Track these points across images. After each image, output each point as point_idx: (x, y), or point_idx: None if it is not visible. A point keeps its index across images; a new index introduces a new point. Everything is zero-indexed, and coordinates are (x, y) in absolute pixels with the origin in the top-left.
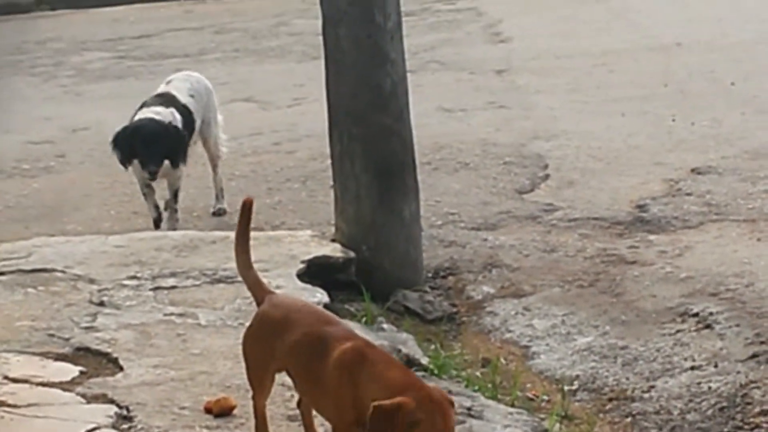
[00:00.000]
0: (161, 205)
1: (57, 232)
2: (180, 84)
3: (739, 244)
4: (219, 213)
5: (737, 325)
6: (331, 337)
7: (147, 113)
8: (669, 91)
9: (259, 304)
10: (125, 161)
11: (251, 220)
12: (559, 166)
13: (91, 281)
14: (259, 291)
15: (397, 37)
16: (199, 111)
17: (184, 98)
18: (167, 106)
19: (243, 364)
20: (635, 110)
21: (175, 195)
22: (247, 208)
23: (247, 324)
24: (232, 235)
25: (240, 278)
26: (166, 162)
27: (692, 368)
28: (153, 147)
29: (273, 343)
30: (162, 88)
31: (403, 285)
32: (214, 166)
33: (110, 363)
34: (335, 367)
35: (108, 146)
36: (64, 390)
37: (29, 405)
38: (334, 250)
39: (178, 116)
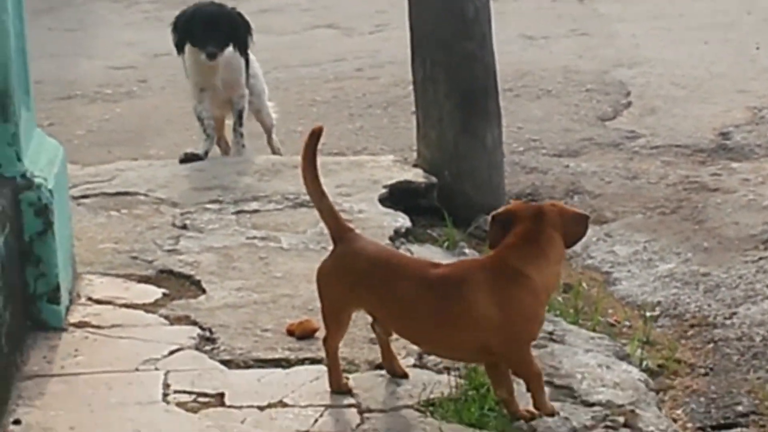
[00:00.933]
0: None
1: (139, 156)
2: None
3: None
4: None
5: None
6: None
7: None
8: (752, 19)
9: (334, 238)
10: (181, 44)
11: (317, 149)
12: (642, 93)
13: (174, 204)
14: (334, 224)
15: None
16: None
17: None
18: None
19: None
20: (718, 38)
21: (240, 116)
22: (315, 135)
23: (324, 258)
24: None
25: None
26: (229, 77)
27: None
28: (214, 28)
29: (357, 289)
30: None
31: (485, 210)
32: (269, 134)
33: (193, 285)
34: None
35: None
36: (147, 312)
37: (113, 326)
38: (416, 176)
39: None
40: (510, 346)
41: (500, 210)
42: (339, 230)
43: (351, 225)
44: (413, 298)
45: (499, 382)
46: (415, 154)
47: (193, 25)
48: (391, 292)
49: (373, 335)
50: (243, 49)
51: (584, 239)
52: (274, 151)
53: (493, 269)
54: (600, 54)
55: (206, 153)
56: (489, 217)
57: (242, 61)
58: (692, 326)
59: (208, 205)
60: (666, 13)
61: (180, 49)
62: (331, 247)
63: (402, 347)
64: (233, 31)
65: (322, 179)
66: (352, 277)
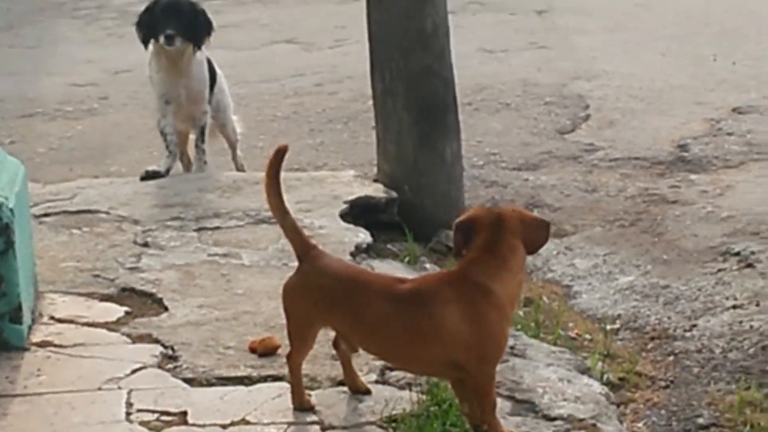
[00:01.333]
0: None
1: (101, 173)
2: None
3: None
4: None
5: None
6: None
7: None
8: (709, 31)
9: (298, 255)
10: (146, 39)
11: (282, 167)
12: (600, 106)
13: (135, 222)
14: (298, 241)
15: None
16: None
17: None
18: None
19: None
20: (676, 50)
21: (202, 132)
22: (280, 154)
23: (289, 276)
24: None
25: None
26: (194, 87)
27: (734, 307)
28: (174, 15)
29: (323, 306)
30: None
31: (445, 225)
32: (234, 149)
33: (155, 303)
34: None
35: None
36: (110, 330)
37: (75, 345)
38: (376, 191)
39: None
40: (480, 365)
41: (462, 217)
42: (303, 248)
43: (314, 242)
44: (381, 315)
45: (464, 397)
46: (375, 169)
47: (155, 15)
48: (358, 308)
49: (334, 352)
50: (199, 43)
51: (544, 252)
52: (238, 168)
53: (459, 285)
54: (558, 67)
55: (168, 170)
56: (453, 224)
57: (206, 74)
58: (652, 339)
59: (170, 223)
60: (623, 25)
61: (146, 44)
62: (293, 264)
63: (364, 363)
64: (192, 22)
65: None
66: (318, 294)
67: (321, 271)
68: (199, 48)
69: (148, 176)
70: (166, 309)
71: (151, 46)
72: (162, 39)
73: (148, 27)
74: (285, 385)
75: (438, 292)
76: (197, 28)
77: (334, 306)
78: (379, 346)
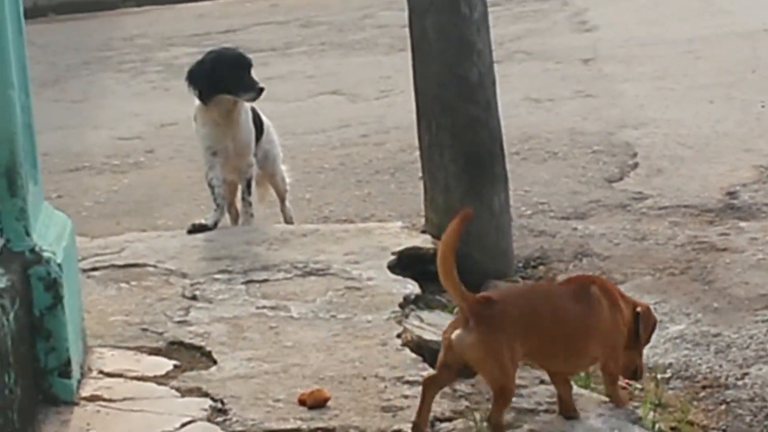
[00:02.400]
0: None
1: (148, 227)
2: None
3: None
4: None
5: None
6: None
7: None
8: (757, 77)
9: (467, 308)
10: (213, 90)
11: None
12: (648, 153)
13: (183, 275)
14: (463, 296)
15: (484, 28)
16: (263, 136)
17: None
18: None
19: (335, 356)
20: (723, 97)
21: (248, 184)
22: (467, 219)
23: (464, 333)
24: (322, 228)
25: (331, 271)
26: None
27: None
28: (245, 69)
29: (518, 336)
30: None
31: (494, 275)
32: (282, 200)
33: (204, 356)
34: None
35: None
36: (159, 384)
37: (124, 399)
38: (424, 241)
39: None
40: (614, 352)
41: None
42: (469, 298)
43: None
44: (559, 313)
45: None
46: (423, 220)
47: (222, 69)
48: (539, 316)
49: (383, 403)
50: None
51: None
52: (287, 219)
53: (598, 284)
54: (605, 115)
55: (215, 224)
56: None
57: (251, 125)
58: (704, 387)
59: (218, 276)
60: (670, 72)
61: (209, 97)
62: (341, 316)
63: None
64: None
65: (330, 247)
66: (510, 331)
67: (502, 312)
68: (253, 101)
69: (196, 229)
70: (214, 362)
71: (196, 99)
72: (251, 95)
73: (210, 82)
74: None
75: (592, 290)
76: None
77: (531, 333)
78: (553, 346)
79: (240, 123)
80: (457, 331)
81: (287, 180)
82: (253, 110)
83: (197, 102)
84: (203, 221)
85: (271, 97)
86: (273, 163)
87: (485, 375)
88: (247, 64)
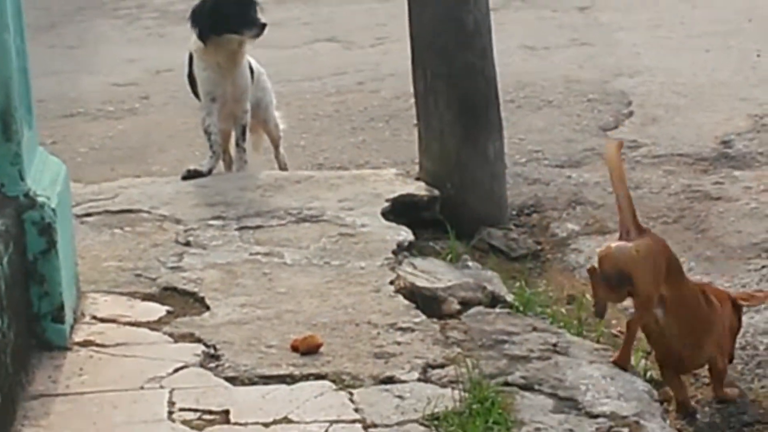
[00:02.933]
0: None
1: (142, 173)
2: None
3: None
4: None
5: None
6: None
7: None
8: (753, 27)
9: (630, 227)
10: (213, 32)
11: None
12: (643, 102)
13: (177, 221)
14: (632, 215)
15: None
16: (255, 83)
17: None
18: None
19: (328, 303)
20: (719, 46)
21: (243, 131)
22: (620, 147)
23: (632, 244)
24: (316, 174)
25: (325, 218)
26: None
27: None
28: (248, 7)
29: (662, 276)
30: None
31: (488, 223)
32: (276, 146)
33: (197, 302)
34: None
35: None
36: (152, 329)
37: (117, 344)
38: (418, 188)
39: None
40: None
41: None
42: (636, 221)
43: None
44: (694, 302)
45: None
46: (417, 167)
47: (222, 7)
48: (680, 290)
49: (376, 350)
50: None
51: (587, 250)
52: (281, 165)
53: (708, 291)
54: (601, 63)
55: (210, 170)
56: None
57: (248, 71)
58: None
59: (212, 222)
60: (666, 21)
61: (208, 38)
62: (335, 263)
63: (406, 362)
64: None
65: (324, 194)
66: (664, 262)
67: (664, 244)
68: (256, 38)
69: (190, 175)
70: (207, 308)
71: (193, 43)
72: (254, 31)
73: (212, 21)
74: (327, 383)
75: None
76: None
77: (670, 280)
78: (681, 329)
79: (241, 67)
80: (617, 242)
81: (281, 126)
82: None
83: (196, 45)
84: (198, 167)
85: (267, 43)
86: (266, 110)
87: (638, 281)
88: (248, 1)
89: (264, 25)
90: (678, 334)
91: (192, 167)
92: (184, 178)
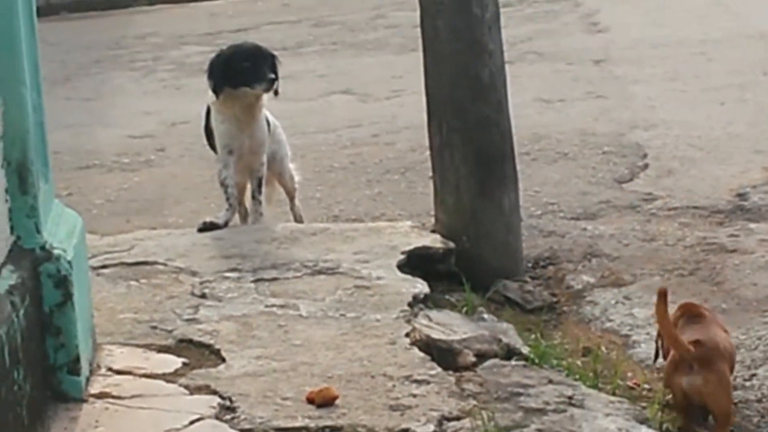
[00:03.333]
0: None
1: (158, 225)
2: None
3: None
4: None
5: None
6: None
7: None
8: None
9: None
10: (226, 85)
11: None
12: (659, 155)
13: (193, 273)
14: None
15: (495, 28)
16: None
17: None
18: None
19: (344, 355)
20: (734, 98)
21: (259, 184)
22: (664, 296)
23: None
24: (332, 227)
25: (340, 270)
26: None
27: None
28: (263, 61)
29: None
30: None
31: (503, 275)
32: (292, 198)
33: (212, 354)
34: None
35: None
36: (168, 381)
37: (133, 396)
38: (433, 241)
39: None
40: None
41: None
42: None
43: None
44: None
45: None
46: (433, 220)
47: (235, 61)
48: (732, 351)
49: (391, 402)
50: (277, 89)
51: (602, 302)
52: (296, 218)
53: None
54: (616, 116)
55: (226, 223)
56: None
57: (266, 125)
58: None
59: (227, 274)
60: (681, 74)
61: (222, 89)
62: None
63: (422, 414)
64: (273, 68)
65: (340, 246)
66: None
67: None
68: (276, 94)
69: (206, 228)
70: (223, 360)
71: (211, 96)
72: (263, 85)
73: (226, 74)
74: None
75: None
76: (277, 75)
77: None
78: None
79: (259, 120)
80: (686, 378)
81: (296, 178)
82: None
83: (214, 98)
84: (214, 219)
85: (282, 96)
86: (281, 163)
87: (718, 407)
88: (263, 56)
89: (273, 80)
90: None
91: (208, 219)
92: (200, 230)
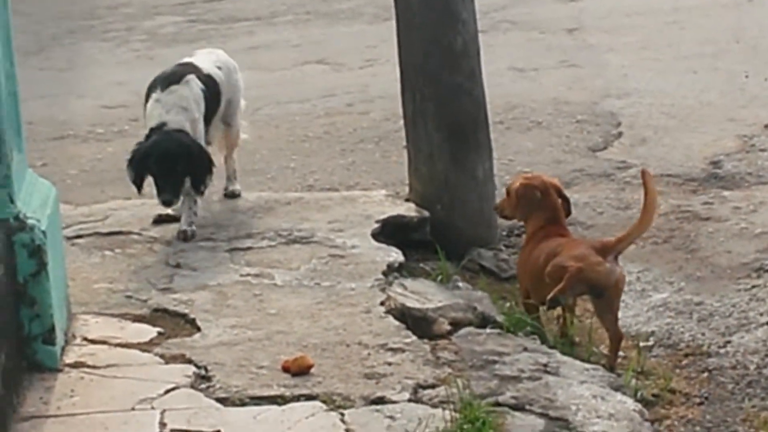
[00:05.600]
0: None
1: (132, 195)
2: (204, 57)
3: None
4: (231, 195)
5: None
6: None
7: (165, 116)
8: (741, 48)
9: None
10: (138, 182)
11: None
12: (632, 123)
13: (167, 243)
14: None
15: None
16: (225, 86)
17: (209, 69)
18: (184, 76)
19: (319, 324)
20: (707, 67)
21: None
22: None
23: None
24: (307, 196)
25: (315, 239)
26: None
27: None
28: (171, 169)
29: None
30: (183, 60)
31: (478, 243)
32: (230, 151)
33: (188, 324)
34: None
35: None
36: (143, 351)
37: (108, 366)
38: (408, 210)
39: (198, 87)
40: None
41: None
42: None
43: None
44: None
45: None
46: (407, 189)
47: (150, 162)
48: None
49: (366, 370)
50: (198, 187)
51: None
52: (228, 173)
53: None
54: (590, 85)
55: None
56: None
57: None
58: (686, 355)
59: (202, 243)
60: (654, 43)
61: (138, 187)
62: (325, 284)
63: (397, 382)
64: (191, 170)
65: (314, 215)
66: None
67: None
68: (197, 192)
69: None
70: (198, 329)
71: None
72: (161, 197)
73: (141, 172)
74: (318, 404)
75: None
76: (196, 175)
77: None
78: None
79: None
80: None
81: (242, 136)
82: (210, 76)
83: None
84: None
85: (256, 65)
86: (233, 113)
87: (618, 301)
88: (174, 162)
89: (170, 200)
90: None
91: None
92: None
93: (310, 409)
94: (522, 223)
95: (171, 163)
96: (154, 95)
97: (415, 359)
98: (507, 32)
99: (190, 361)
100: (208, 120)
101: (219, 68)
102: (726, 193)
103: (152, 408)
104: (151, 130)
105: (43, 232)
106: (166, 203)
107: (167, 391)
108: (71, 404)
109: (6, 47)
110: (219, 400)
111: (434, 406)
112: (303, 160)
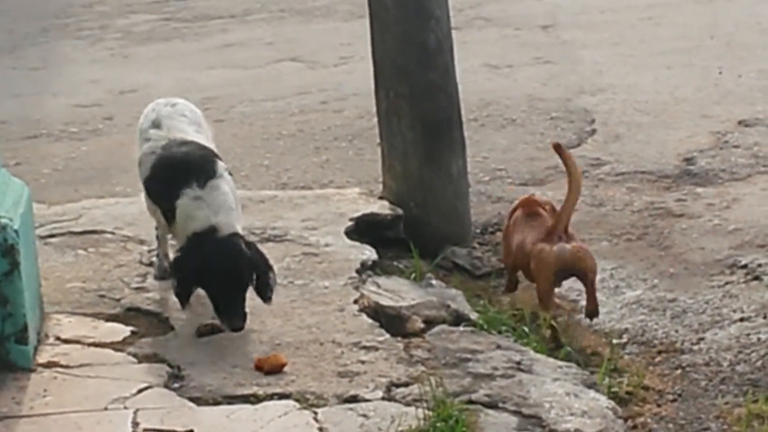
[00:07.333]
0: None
1: (106, 194)
2: (176, 123)
3: None
4: None
5: None
6: None
7: (213, 219)
8: (715, 44)
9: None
10: (185, 297)
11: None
12: (606, 120)
13: (141, 242)
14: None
15: None
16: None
17: (203, 141)
18: (214, 166)
19: (292, 322)
20: (681, 63)
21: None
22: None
23: None
24: (280, 194)
25: (288, 237)
26: None
27: (741, 320)
28: (237, 288)
29: None
30: (162, 134)
31: (452, 241)
32: None
33: (161, 323)
34: None
35: None
36: (116, 350)
37: (81, 365)
38: (381, 207)
39: (227, 172)
40: None
41: None
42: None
43: None
44: None
45: None
46: (380, 186)
47: (207, 280)
48: None
49: (340, 369)
50: (266, 294)
51: None
52: None
53: None
54: (564, 81)
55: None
56: None
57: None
58: (660, 353)
59: (174, 242)
60: (628, 39)
61: (183, 303)
62: (298, 282)
63: (370, 381)
64: (254, 278)
65: (288, 213)
66: None
67: None
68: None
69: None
70: (172, 328)
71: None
72: (233, 323)
73: (193, 285)
74: (291, 403)
75: None
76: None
77: None
78: None
79: None
80: (560, 245)
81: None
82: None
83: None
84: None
85: (231, 63)
86: None
87: (592, 270)
88: (242, 281)
89: (235, 330)
90: None
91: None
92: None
93: (283, 408)
94: (495, 222)
95: (236, 282)
96: (190, 192)
97: (389, 357)
98: (481, 29)
99: (163, 361)
100: None
101: (197, 131)
102: (699, 189)
103: (125, 407)
104: (196, 235)
105: (16, 231)
106: (238, 330)
107: (140, 391)
108: (44, 404)
109: None
110: (192, 399)
111: (407, 404)
112: (277, 158)
